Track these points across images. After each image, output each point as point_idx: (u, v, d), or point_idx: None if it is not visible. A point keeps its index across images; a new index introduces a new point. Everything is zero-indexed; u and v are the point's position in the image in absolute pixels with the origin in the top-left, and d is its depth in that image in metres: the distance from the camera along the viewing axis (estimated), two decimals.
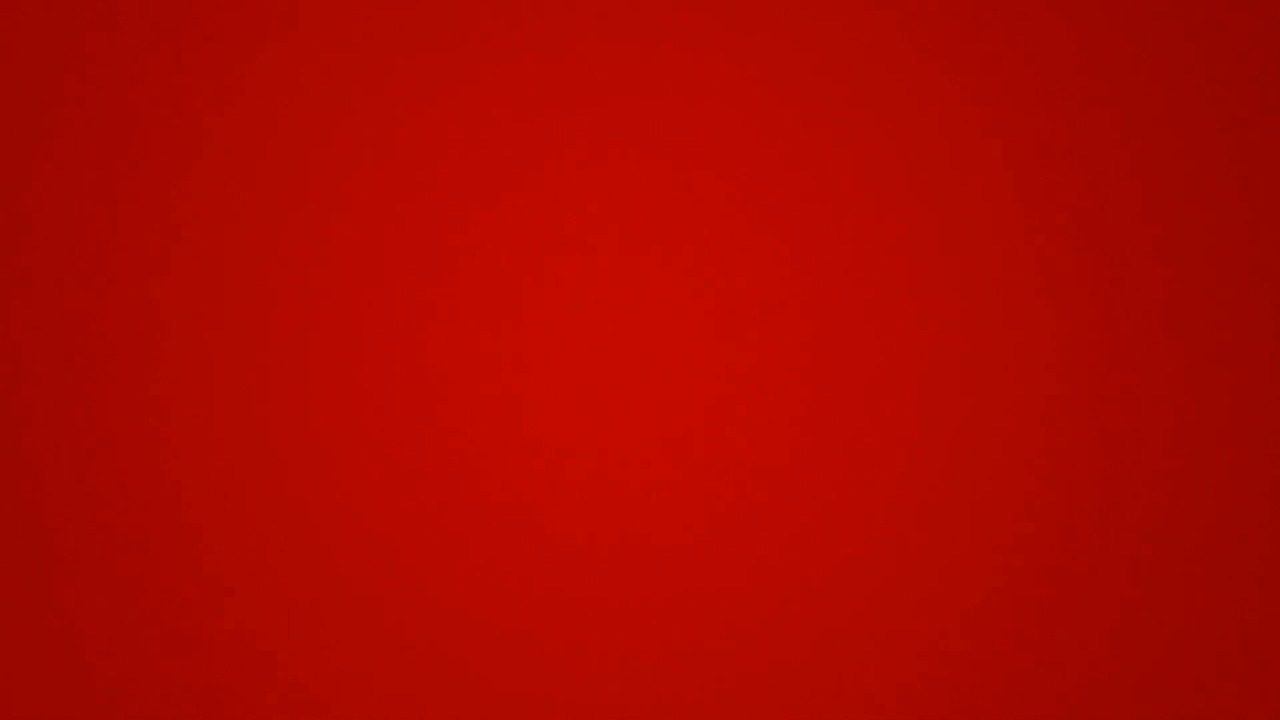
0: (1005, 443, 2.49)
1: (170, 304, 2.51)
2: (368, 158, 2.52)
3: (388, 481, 2.50)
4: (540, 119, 2.52)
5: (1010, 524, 2.48)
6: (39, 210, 2.52)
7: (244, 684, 2.49)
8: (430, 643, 2.49)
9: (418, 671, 2.49)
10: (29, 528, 2.50)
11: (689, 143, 2.51)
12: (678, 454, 2.50)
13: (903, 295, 2.50)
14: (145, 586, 2.49)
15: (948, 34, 2.50)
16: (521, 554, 2.50)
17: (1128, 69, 2.50)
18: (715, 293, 2.50)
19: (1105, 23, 2.50)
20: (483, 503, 2.50)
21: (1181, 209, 2.50)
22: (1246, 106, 2.49)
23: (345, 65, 2.52)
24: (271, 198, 2.51)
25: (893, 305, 2.50)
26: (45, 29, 2.53)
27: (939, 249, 2.50)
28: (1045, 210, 2.50)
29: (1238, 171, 2.50)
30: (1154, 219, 2.50)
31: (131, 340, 2.51)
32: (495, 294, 2.51)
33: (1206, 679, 2.48)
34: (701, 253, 2.51)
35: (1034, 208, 2.50)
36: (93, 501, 2.50)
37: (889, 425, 2.49)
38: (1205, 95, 2.50)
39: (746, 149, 2.51)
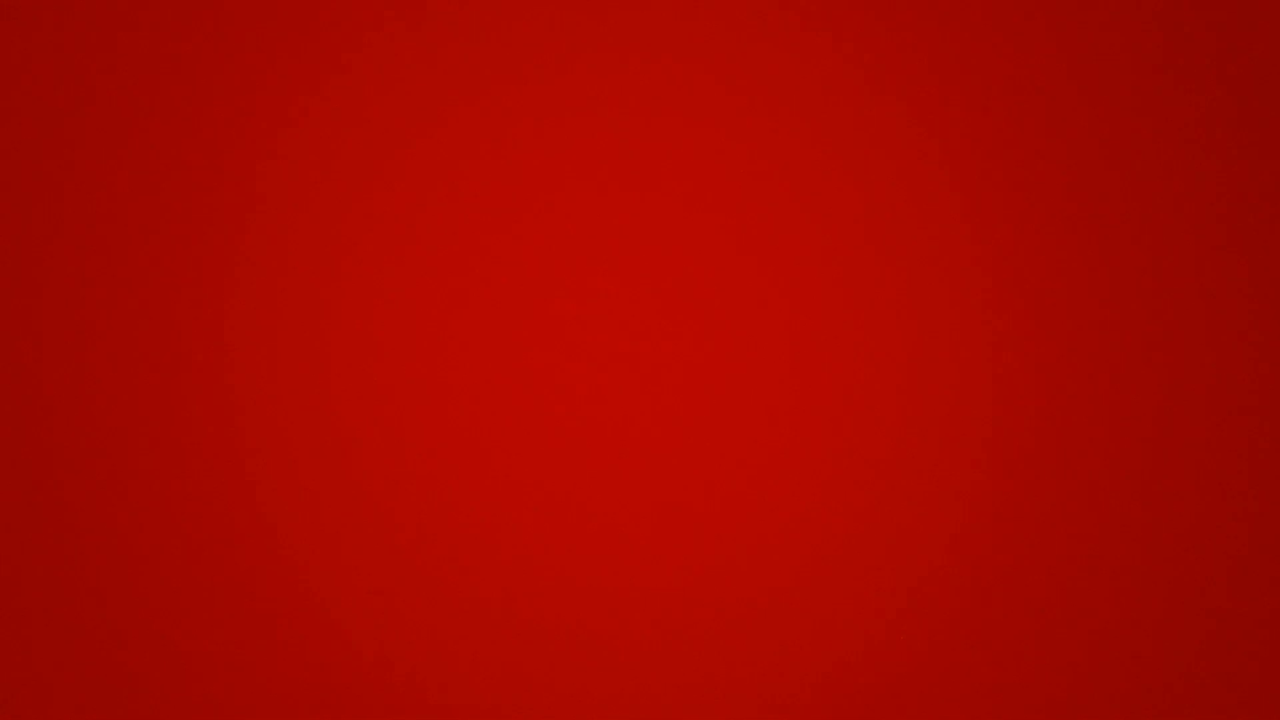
0: (999, 443, 2.49)
1: (191, 307, 2.51)
2: (373, 164, 2.51)
3: (388, 482, 2.50)
4: (543, 126, 2.51)
5: (998, 522, 2.49)
6: (48, 211, 2.51)
7: (253, 681, 2.49)
8: (433, 642, 2.50)
9: (419, 670, 2.50)
10: (34, 525, 2.49)
11: (692, 151, 2.50)
12: (674, 454, 2.50)
13: (899, 299, 2.50)
14: (142, 586, 2.49)
15: (939, 38, 2.50)
16: (522, 554, 2.49)
17: (1109, 74, 2.50)
18: (713, 297, 2.50)
19: (1092, 27, 2.50)
20: (483, 503, 2.50)
21: (1165, 210, 2.50)
22: (1229, 112, 2.50)
23: (356, 71, 2.52)
24: (284, 203, 2.51)
25: (889, 308, 2.49)
26: (55, 35, 2.53)
27: (936, 251, 2.49)
28: (1026, 213, 2.49)
29: (1220, 174, 2.50)
30: (1137, 221, 2.50)
31: (154, 339, 2.51)
32: (497, 294, 2.51)
33: (1200, 678, 2.49)
34: (701, 258, 2.50)
35: (1018, 211, 2.49)
36: (95, 500, 2.50)
37: (886, 426, 2.49)
38: (1189, 97, 2.51)
39: (744, 156, 2.50)
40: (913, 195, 2.49)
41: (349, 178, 2.51)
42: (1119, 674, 2.47)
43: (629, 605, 2.49)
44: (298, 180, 2.51)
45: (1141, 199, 2.49)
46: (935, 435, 2.48)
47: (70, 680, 2.49)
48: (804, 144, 2.50)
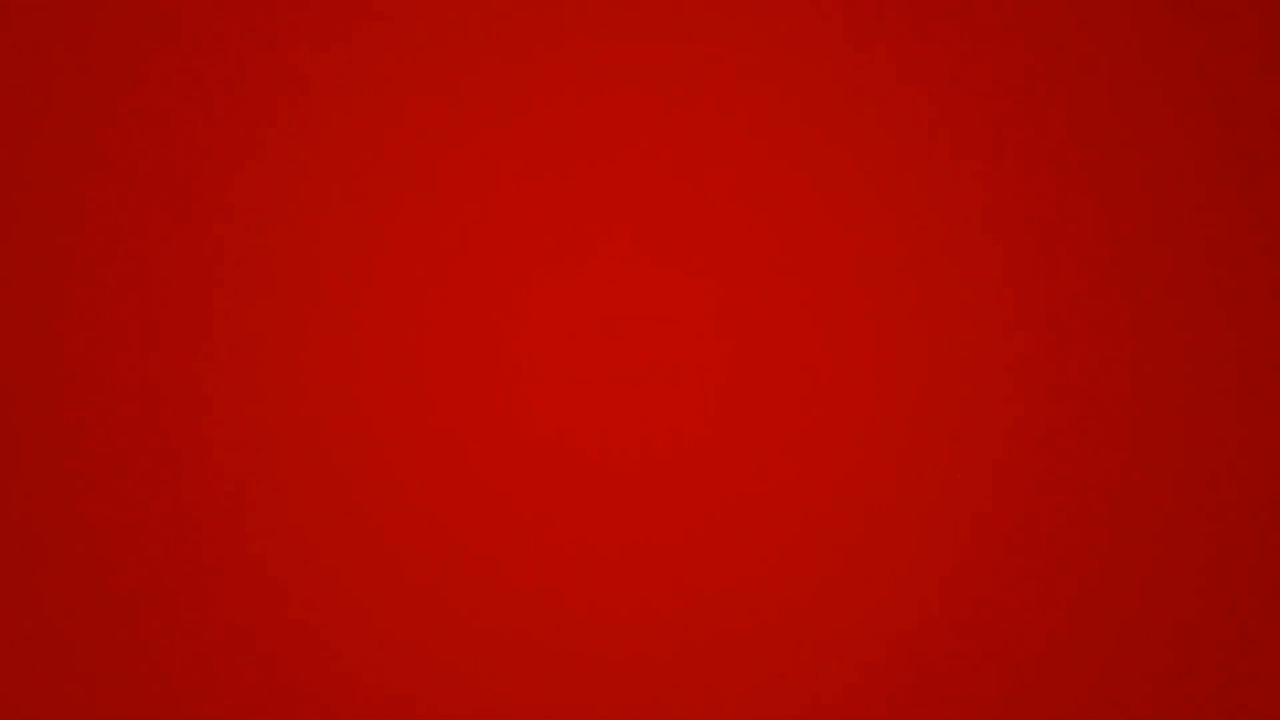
0: (1014, 447, 2.49)
1: (174, 306, 2.51)
2: (368, 163, 2.51)
3: (386, 484, 2.49)
4: (538, 121, 2.51)
5: (1001, 528, 2.48)
6: (38, 211, 2.51)
7: (244, 685, 2.49)
8: (430, 645, 2.49)
9: (416, 671, 2.49)
10: (30, 526, 2.49)
11: (686, 145, 2.51)
12: (676, 455, 2.49)
13: (897, 300, 2.50)
14: (138, 588, 2.49)
15: (939, 39, 2.50)
16: (519, 556, 2.49)
17: (1125, 75, 2.51)
18: (709, 295, 2.50)
19: (1107, 27, 2.51)
20: (481, 505, 2.49)
21: (1182, 211, 2.50)
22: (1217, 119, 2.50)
23: (345, 66, 2.51)
24: (272, 200, 2.51)
25: (887, 310, 2.50)
26: (50, 34, 2.53)
27: (934, 253, 2.50)
28: (1037, 215, 2.50)
29: (1238, 176, 2.50)
30: (1153, 221, 2.50)
31: (137, 339, 2.50)
32: (495, 295, 2.51)
33: (1213, 685, 2.48)
34: (697, 256, 2.50)
35: (1025, 212, 2.50)
36: (82, 503, 2.49)
37: (882, 428, 2.49)
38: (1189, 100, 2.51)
39: (742, 153, 2.50)
40: (923, 194, 2.50)
41: (340, 178, 2.51)
42: (1133, 679, 2.47)
43: (630, 608, 2.48)
44: (285, 179, 2.50)
45: (1158, 200, 2.50)
46: (947, 439, 2.48)
47: (57, 685, 2.49)
48: (810, 139, 2.50)
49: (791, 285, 2.50)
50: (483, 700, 2.49)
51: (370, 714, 2.48)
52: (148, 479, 2.49)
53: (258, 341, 2.50)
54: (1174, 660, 2.48)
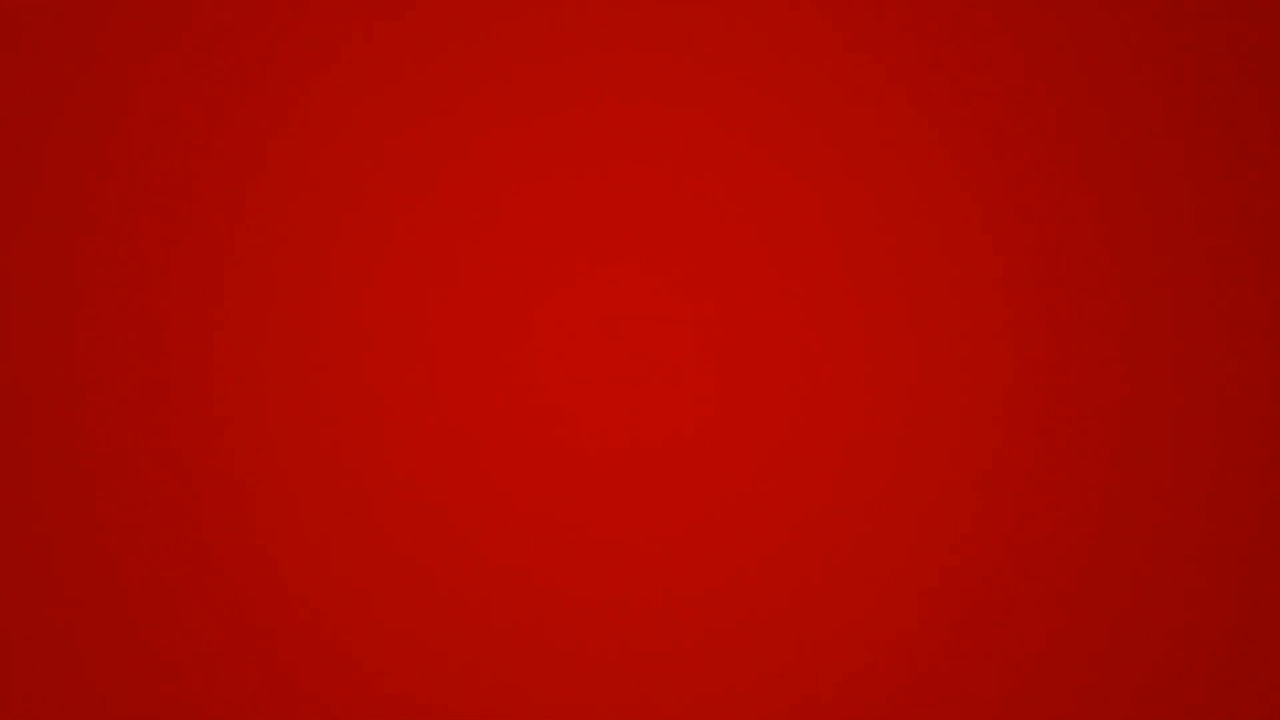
0: (1009, 447, 2.49)
1: (181, 308, 2.51)
2: (368, 162, 2.52)
3: (386, 486, 2.50)
4: (543, 126, 2.52)
5: (1007, 529, 2.48)
6: (50, 212, 2.52)
7: (250, 685, 2.49)
8: (432, 643, 2.49)
9: (419, 670, 2.49)
10: (31, 526, 2.50)
11: (685, 148, 2.51)
12: (677, 456, 2.50)
13: (899, 306, 2.50)
14: (141, 588, 2.50)
15: (947, 35, 2.51)
16: (522, 559, 2.50)
17: (1118, 73, 2.51)
18: (712, 298, 2.51)
19: (1100, 25, 2.51)
20: (483, 505, 2.50)
21: (1175, 212, 2.50)
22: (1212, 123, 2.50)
23: (351, 67, 2.52)
24: (277, 205, 2.51)
25: (888, 314, 2.50)
26: (51, 35, 2.53)
27: (934, 255, 2.50)
28: (1029, 217, 2.50)
29: (1228, 175, 2.50)
30: (1147, 221, 2.50)
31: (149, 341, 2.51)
32: (496, 295, 2.51)
33: (1209, 684, 2.48)
34: (700, 259, 2.51)
35: (1020, 215, 2.50)
36: (85, 502, 2.50)
37: (882, 430, 2.49)
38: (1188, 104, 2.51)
39: (747, 158, 2.51)
40: (920, 197, 2.50)
41: (342, 176, 2.52)
42: (1128, 679, 2.47)
43: (630, 610, 2.49)
44: (289, 178, 2.51)
45: (1151, 200, 2.50)
46: (944, 440, 2.48)
47: (57, 685, 2.49)
48: (809, 141, 2.51)
49: (791, 287, 2.50)
50: (485, 697, 2.49)
51: (377, 709, 2.49)
52: (160, 479, 2.50)
53: (265, 343, 2.51)
54: (1171, 661, 2.48)
